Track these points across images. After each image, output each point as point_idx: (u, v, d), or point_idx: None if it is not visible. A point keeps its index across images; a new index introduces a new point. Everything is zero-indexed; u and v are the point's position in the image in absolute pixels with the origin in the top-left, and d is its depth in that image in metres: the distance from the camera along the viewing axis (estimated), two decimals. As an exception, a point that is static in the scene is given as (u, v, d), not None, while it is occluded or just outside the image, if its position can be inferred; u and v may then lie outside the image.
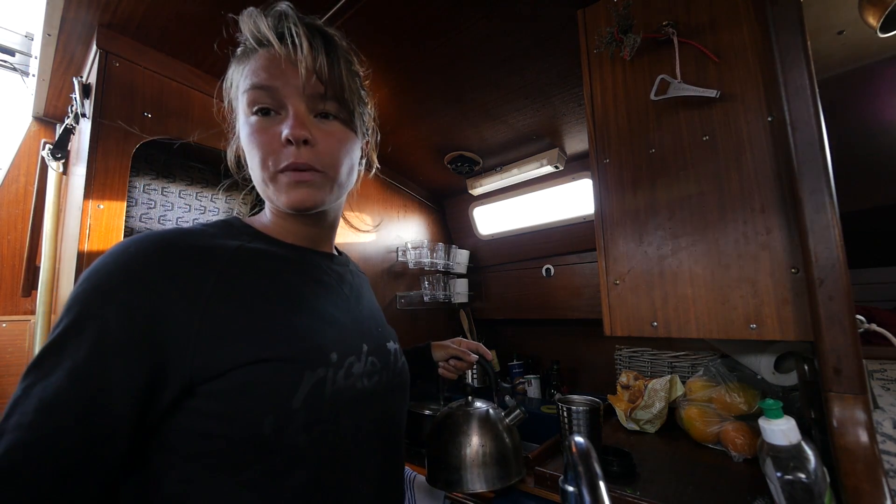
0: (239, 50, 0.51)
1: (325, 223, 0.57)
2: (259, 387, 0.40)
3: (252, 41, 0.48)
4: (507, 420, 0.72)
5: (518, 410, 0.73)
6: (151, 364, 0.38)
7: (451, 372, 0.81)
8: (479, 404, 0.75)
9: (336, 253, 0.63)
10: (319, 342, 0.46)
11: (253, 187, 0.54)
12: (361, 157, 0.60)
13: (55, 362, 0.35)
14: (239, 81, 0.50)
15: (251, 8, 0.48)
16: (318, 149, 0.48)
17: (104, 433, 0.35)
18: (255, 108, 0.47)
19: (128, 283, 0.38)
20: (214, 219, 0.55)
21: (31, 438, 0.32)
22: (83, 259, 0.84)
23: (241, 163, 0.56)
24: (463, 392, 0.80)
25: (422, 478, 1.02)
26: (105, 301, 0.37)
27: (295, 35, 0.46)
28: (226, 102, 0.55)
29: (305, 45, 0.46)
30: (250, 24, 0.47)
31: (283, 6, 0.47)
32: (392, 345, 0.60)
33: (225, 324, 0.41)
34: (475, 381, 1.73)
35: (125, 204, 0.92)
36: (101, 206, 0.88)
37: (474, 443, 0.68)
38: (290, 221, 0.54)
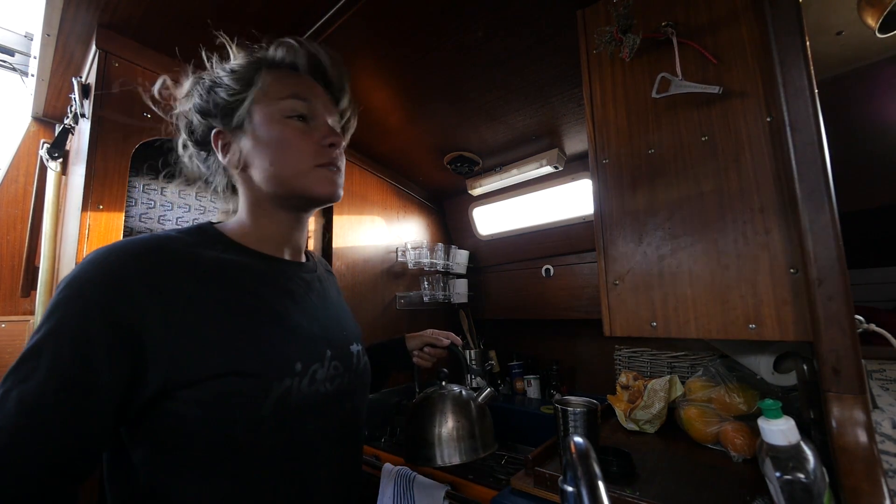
0: (260, 56, 0.59)
1: (305, 224, 0.63)
2: (230, 397, 0.43)
3: (286, 61, 0.59)
4: (479, 399, 0.74)
5: (488, 389, 0.76)
6: (129, 369, 0.40)
7: (426, 360, 0.83)
8: (453, 387, 0.77)
9: (305, 259, 0.66)
10: (285, 354, 0.49)
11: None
12: None
13: (33, 366, 0.36)
14: (271, 87, 0.56)
15: (290, 39, 0.59)
16: (342, 153, 0.59)
17: (84, 434, 0.37)
18: (293, 115, 0.56)
19: (108, 291, 0.40)
20: (233, 220, 0.59)
21: (12, 441, 0.34)
22: (82, 259, 0.84)
23: (239, 158, 0.58)
24: (438, 378, 0.81)
25: (422, 478, 1.02)
26: (86, 308, 0.39)
27: (332, 77, 0.62)
28: (218, 98, 0.57)
29: (334, 86, 0.63)
30: (290, 53, 0.59)
31: (316, 48, 0.60)
32: (355, 347, 0.63)
33: (198, 335, 0.43)
34: (470, 376, 1.74)
35: (125, 204, 0.92)
36: (101, 207, 0.88)
37: (447, 420, 0.73)
38: (277, 224, 0.58)
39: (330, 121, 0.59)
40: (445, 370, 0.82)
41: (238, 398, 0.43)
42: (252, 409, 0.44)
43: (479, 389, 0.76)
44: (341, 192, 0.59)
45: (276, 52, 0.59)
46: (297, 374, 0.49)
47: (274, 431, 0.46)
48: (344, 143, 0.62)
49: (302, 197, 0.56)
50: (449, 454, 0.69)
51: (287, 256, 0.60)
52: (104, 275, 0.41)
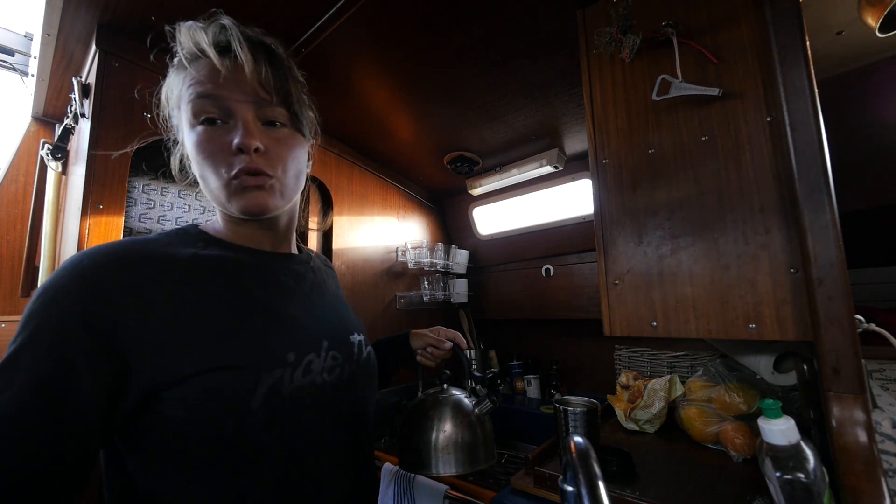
0: (175, 60, 0.50)
1: (279, 228, 0.58)
2: (219, 392, 0.42)
3: (188, 54, 0.48)
4: (476, 410, 0.72)
5: (487, 400, 0.74)
6: (112, 373, 0.38)
7: (429, 360, 0.81)
8: (453, 392, 0.76)
9: (297, 252, 0.63)
10: (275, 344, 0.48)
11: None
12: (308, 160, 0.61)
13: (10, 376, 0.35)
14: (181, 91, 0.49)
15: (190, 22, 0.48)
16: (269, 155, 0.49)
17: (67, 443, 0.36)
18: (201, 118, 0.48)
19: (83, 296, 0.39)
20: (215, 219, 0.56)
21: None
22: (82, 259, 0.84)
23: (184, 168, 0.56)
24: (439, 380, 0.80)
25: (422, 478, 1.02)
26: (62, 314, 0.38)
27: (238, 50, 0.47)
28: (165, 112, 0.55)
29: (250, 58, 0.47)
30: (189, 38, 0.47)
31: (226, 20, 0.48)
32: (356, 337, 0.61)
33: (181, 333, 0.42)
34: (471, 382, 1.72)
35: (124, 204, 0.93)
36: (101, 206, 0.88)
37: (443, 428, 0.69)
38: (245, 227, 0.55)
39: (251, 113, 0.48)
40: (448, 371, 0.81)
41: (224, 392, 0.42)
42: (240, 403, 0.42)
43: (479, 398, 0.75)
44: (273, 204, 0.50)
45: (180, 42, 0.49)
46: (289, 365, 0.47)
47: (267, 426, 0.44)
48: (277, 132, 0.51)
49: (231, 212, 0.50)
50: (444, 464, 0.67)
51: (271, 249, 0.57)
52: (79, 280, 0.39)
